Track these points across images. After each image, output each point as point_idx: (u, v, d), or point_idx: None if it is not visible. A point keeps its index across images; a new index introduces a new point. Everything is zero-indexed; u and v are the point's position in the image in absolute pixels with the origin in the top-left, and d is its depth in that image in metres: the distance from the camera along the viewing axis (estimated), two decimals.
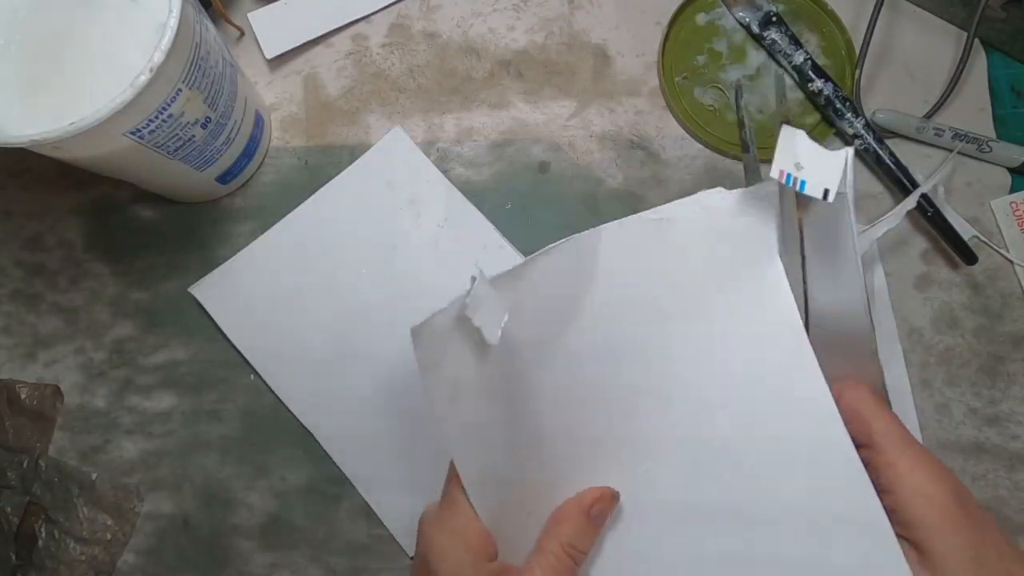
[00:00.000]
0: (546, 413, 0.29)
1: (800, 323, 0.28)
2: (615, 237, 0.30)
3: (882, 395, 0.29)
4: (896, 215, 0.35)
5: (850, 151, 0.27)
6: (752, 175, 0.35)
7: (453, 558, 0.27)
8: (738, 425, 0.29)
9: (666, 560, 0.30)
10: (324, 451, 0.39)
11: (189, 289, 0.40)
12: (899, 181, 0.41)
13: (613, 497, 0.29)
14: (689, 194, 0.41)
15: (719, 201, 0.29)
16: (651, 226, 0.30)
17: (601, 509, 0.29)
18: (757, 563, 0.28)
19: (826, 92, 0.41)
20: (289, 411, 0.39)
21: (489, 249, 0.41)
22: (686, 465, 0.30)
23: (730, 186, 0.40)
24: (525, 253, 0.41)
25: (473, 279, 0.25)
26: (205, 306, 0.40)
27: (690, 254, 0.30)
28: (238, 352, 0.40)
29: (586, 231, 0.29)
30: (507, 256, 0.41)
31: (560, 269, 0.29)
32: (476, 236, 0.41)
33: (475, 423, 0.27)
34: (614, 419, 0.30)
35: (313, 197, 0.41)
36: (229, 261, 0.40)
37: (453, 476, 0.28)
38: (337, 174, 0.42)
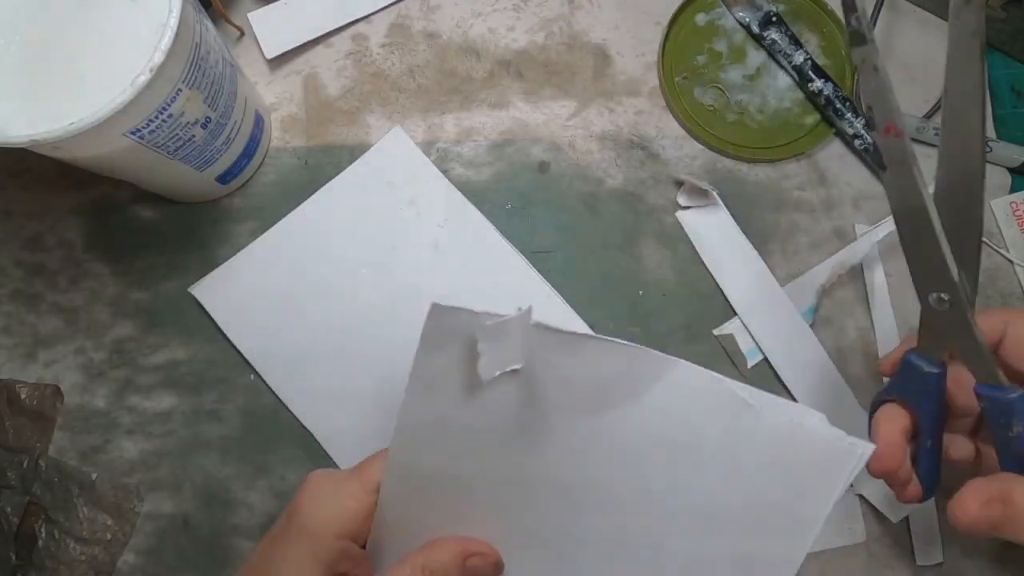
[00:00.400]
0: (501, 472, 0.28)
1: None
2: (687, 379, 0.26)
3: None
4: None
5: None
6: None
7: (324, 511, 0.26)
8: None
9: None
10: (324, 451, 0.39)
11: (189, 289, 0.40)
12: None
13: (496, 565, 0.28)
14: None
15: (815, 432, 0.26)
16: (729, 399, 0.26)
17: (478, 564, 0.27)
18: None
19: (826, 92, 0.41)
20: (289, 411, 0.39)
21: (489, 250, 0.41)
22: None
23: (731, 185, 0.40)
24: (524, 253, 0.41)
25: (520, 310, 0.24)
26: (205, 306, 0.40)
27: (744, 454, 0.26)
28: (238, 352, 0.40)
29: (662, 355, 0.26)
30: (507, 256, 0.41)
31: (611, 369, 0.26)
32: (476, 236, 0.41)
33: (433, 421, 0.27)
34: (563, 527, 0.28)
35: (313, 197, 0.41)
36: (229, 261, 0.40)
37: (379, 456, 0.28)
38: (337, 174, 0.42)
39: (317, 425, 0.39)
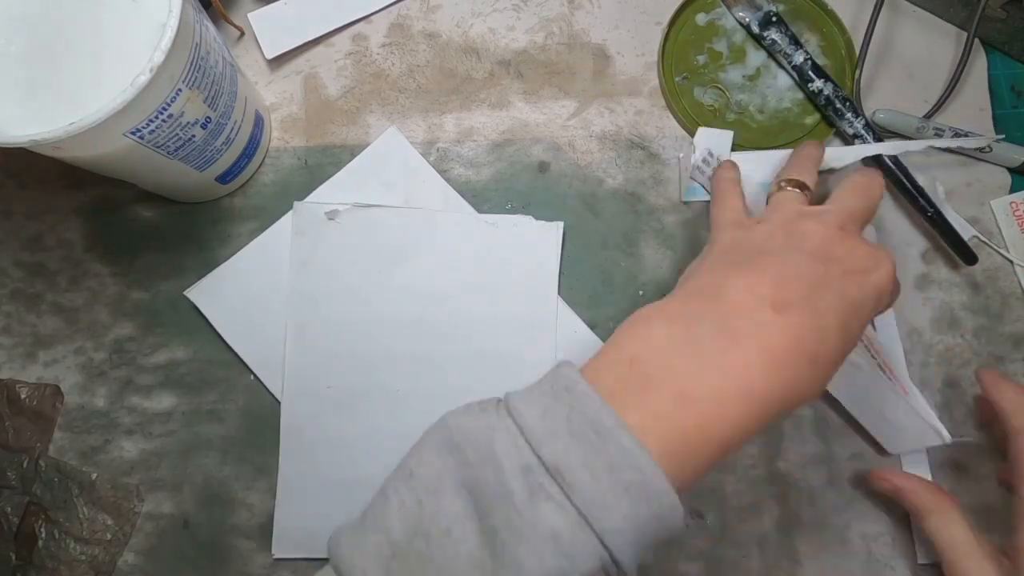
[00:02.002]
0: (367, 311, 0.40)
1: (553, 319, 0.40)
2: (451, 223, 0.41)
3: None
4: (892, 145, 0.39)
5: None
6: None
7: None
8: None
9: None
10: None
11: (185, 292, 0.40)
12: (899, 181, 0.41)
13: None
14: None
15: (527, 226, 0.41)
16: (479, 224, 0.41)
17: None
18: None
19: (826, 92, 0.41)
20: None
21: (523, 225, 0.41)
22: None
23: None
24: None
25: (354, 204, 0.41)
26: (201, 309, 0.40)
27: (498, 251, 0.41)
28: (235, 354, 0.40)
29: (432, 211, 0.41)
30: (541, 233, 0.41)
31: (409, 227, 0.41)
32: (472, 237, 0.41)
33: (311, 289, 0.40)
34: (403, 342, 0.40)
35: (308, 199, 0.41)
36: (224, 264, 0.40)
37: None
38: (336, 174, 0.42)
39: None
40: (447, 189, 0.42)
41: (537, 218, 0.41)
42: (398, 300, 0.40)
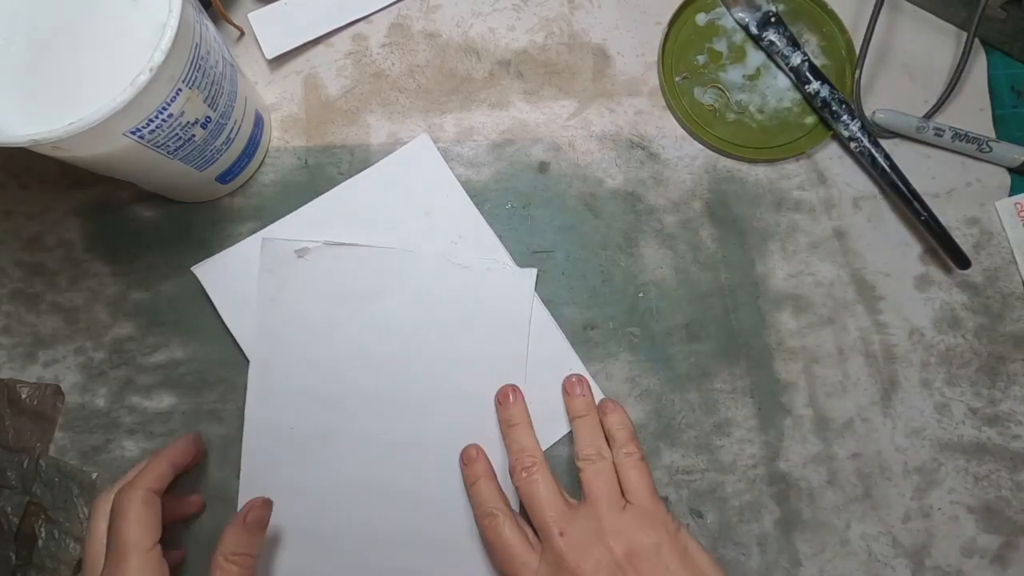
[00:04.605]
0: (338, 349, 0.39)
1: (524, 368, 0.40)
2: (426, 263, 0.40)
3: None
4: None
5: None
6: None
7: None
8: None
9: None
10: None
11: (192, 268, 0.40)
12: (893, 183, 0.41)
13: (265, 504, 0.34)
14: (691, 194, 0.42)
15: (500, 272, 0.41)
16: (451, 267, 0.40)
17: (256, 517, 0.33)
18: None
19: (823, 94, 0.41)
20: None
21: (496, 271, 0.41)
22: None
23: (731, 185, 0.40)
24: (524, 253, 0.41)
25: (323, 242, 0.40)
26: (205, 287, 0.40)
27: (470, 301, 0.40)
28: (234, 342, 0.40)
29: (404, 251, 0.40)
30: (514, 279, 0.41)
31: (381, 266, 0.40)
32: (487, 256, 0.41)
33: (279, 326, 0.39)
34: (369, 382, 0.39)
35: (328, 193, 0.41)
36: (235, 246, 0.40)
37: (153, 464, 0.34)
38: (337, 174, 0.42)
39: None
40: (469, 206, 0.41)
41: (516, 260, 0.41)
42: (367, 340, 0.39)
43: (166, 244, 0.41)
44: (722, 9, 0.44)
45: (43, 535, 0.38)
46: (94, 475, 0.39)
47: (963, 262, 0.40)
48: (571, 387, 0.39)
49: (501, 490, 0.37)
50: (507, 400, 0.38)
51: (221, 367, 0.40)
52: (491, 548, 0.35)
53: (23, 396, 0.39)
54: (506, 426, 0.38)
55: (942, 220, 0.40)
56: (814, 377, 0.40)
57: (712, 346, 0.41)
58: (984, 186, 0.42)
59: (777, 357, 0.40)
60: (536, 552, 0.34)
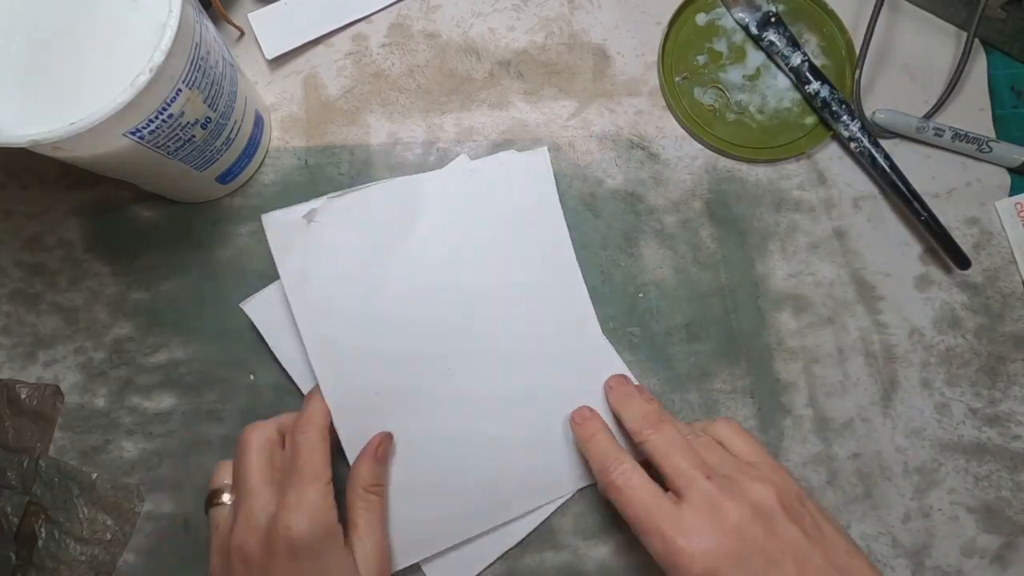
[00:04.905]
0: (388, 302, 0.38)
1: (572, 253, 0.39)
2: (435, 181, 0.39)
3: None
4: None
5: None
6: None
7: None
8: (519, 331, 0.39)
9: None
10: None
11: (241, 305, 0.39)
12: (893, 183, 0.41)
13: (389, 436, 0.36)
14: (691, 194, 0.42)
15: (513, 159, 0.40)
16: (466, 172, 0.40)
17: (385, 449, 0.35)
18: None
19: (823, 94, 0.41)
20: (289, 408, 0.39)
21: (573, 309, 0.39)
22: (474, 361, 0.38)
23: (731, 185, 0.40)
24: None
25: (323, 196, 0.38)
26: (255, 323, 0.39)
27: (494, 199, 0.39)
28: (236, 344, 0.40)
29: (413, 176, 0.39)
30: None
31: (394, 200, 0.39)
32: (565, 291, 0.39)
33: (320, 302, 0.37)
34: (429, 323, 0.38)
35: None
36: (278, 282, 0.38)
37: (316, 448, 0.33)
38: (337, 174, 0.42)
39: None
40: (560, 233, 0.40)
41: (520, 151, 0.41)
42: (411, 277, 0.38)
43: (166, 244, 0.41)
44: (722, 9, 0.44)
45: (43, 535, 0.38)
46: (94, 475, 0.39)
47: (963, 262, 0.40)
48: (615, 382, 0.38)
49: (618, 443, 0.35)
50: (618, 384, 0.38)
51: (221, 367, 0.40)
52: (620, 498, 0.32)
53: (23, 396, 0.39)
54: (622, 398, 0.37)
55: (942, 220, 0.40)
56: (814, 377, 0.40)
57: (712, 346, 0.41)
58: (984, 186, 0.42)
59: (777, 357, 0.40)
60: (671, 500, 0.32)
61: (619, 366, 0.39)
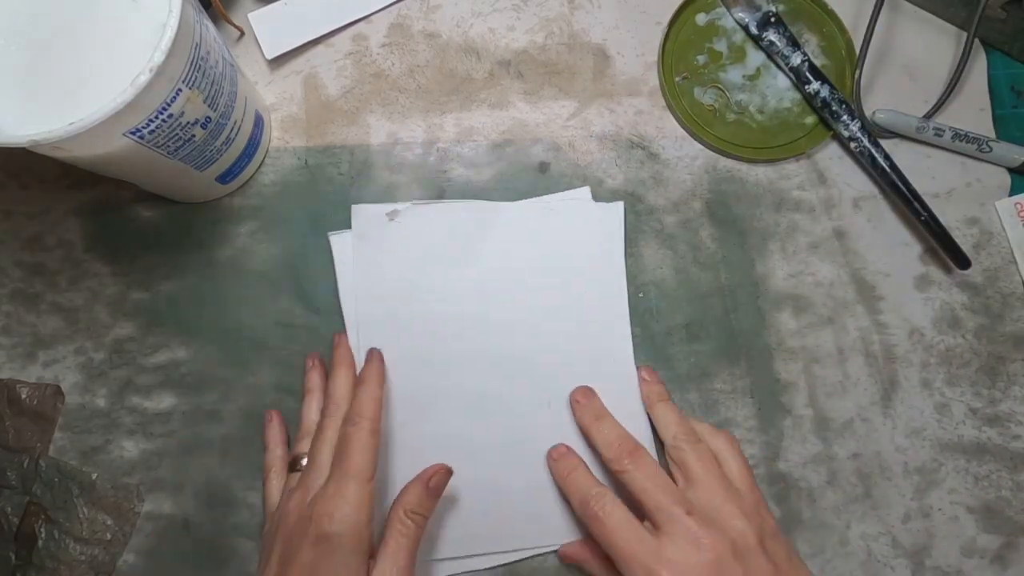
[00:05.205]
0: (438, 310, 0.40)
1: (626, 309, 0.40)
2: (512, 211, 0.41)
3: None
4: None
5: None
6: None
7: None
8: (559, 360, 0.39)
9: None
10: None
11: (328, 234, 0.41)
12: (893, 183, 0.41)
13: (447, 472, 0.35)
14: (691, 194, 0.42)
15: (589, 208, 0.41)
16: (539, 208, 0.41)
17: (437, 482, 0.34)
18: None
19: (823, 94, 0.41)
20: (290, 409, 0.39)
21: (614, 358, 0.40)
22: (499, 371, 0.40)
23: (731, 185, 0.40)
24: None
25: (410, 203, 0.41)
26: (334, 255, 0.40)
27: (562, 240, 0.41)
28: (237, 342, 0.40)
29: (492, 203, 0.41)
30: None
31: (470, 218, 0.41)
32: (612, 346, 0.40)
33: (381, 291, 0.40)
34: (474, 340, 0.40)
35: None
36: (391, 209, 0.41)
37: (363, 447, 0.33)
38: (337, 174, 0.42)
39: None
40: (620, 289, 0.40)
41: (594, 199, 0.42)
42: (466, 293, 0.40)
43: (166, 244, 0.41)
44: (722, 9, 0.44)
45: (43, 535, 0.38)
46: (94, 475, 0.39)
47: (963, 262, 0.40)
48: (647, 373, 0.39)
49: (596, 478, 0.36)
50: (586, 398, 0.38)
51: (221, 367, 0.40)
52: (602, 531, 0.33)
53: (23, 396, 0.39)
54: (592, 420, 0.37)
55: (942, 220, 0.40)
56: (814, 377, 0.40)
57: (712, 346, 0.41)
58: (984, 186, 0.42)
59: (777, 357, 0.40)
60: (651, 533, 0.32)
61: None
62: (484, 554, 0.38)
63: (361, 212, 0.41)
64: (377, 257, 0.40)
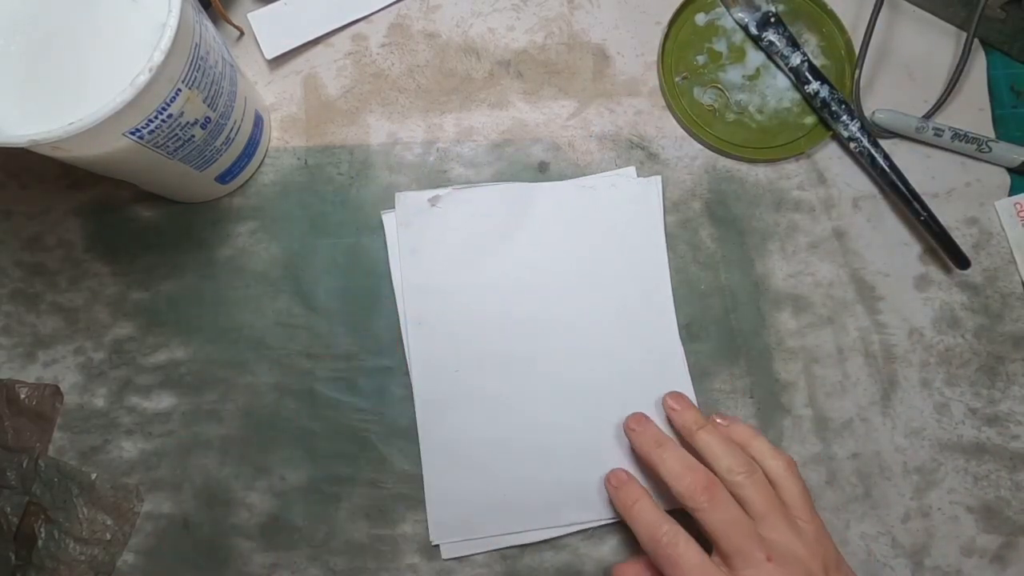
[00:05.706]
0: (488, 289, 0.41)
1: (668, 285, 0.41)
2: (549, 191, 0.42)
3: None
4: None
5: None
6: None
7: None
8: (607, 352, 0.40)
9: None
10: (330, 451, 0.39)
11: (382, 212, 0.41)
12: (893, 183, 0.41)
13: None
14: (691, 194, 0.42)
15: (626, 183, 0.42)
16: (576, 189, 0.42)
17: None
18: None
19: (822, 94, 0.41)
20: (290, 409, 0.39)
21: (658, 338, 0.40)
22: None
23: (730, 185, 0.40)
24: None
25: (451, 188, 0.41)
26: (387, 233, 0.41)
27: (601, 217, 0.41)
28: (237, 342, 0.40)
29: (529, 184, 0.42)
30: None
31: (509, 201, 0.41)
32: (657, 321, 0.40)
33: (425, 277, 0.40)
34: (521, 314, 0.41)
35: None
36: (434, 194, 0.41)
37: None
38: (337, 174, 0.42)
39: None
40: (662, 263, 0.41)
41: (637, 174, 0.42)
42: (507, 273, 0.40)
43: (166, 244, 0.41)
44: (722, 9, 0.44)
45: (43, 535, 0.38)
46: (93, 475, 0.39)
47: (963, 262, 0.40)
48: (675, 401, 0.38)
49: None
50: (641, 425, 0.37)
51: (221, 367, 0.40)
52: (678, 571, 0.32)
53: (22, 396, 0.39)
54: (653, 447, 0.36)
55: (942, 220, 0.40)
56: (814, 377, 0.40)
57: (712, 346, 0.41)
58: (984, 186, 0.42)
59: (777, 357, 0.41)
60: (722, 567, 0.32)
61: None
62: (526, 530, 0.38)
63: (404, 199, 0.41)
64: (421, 244, 0.41)
